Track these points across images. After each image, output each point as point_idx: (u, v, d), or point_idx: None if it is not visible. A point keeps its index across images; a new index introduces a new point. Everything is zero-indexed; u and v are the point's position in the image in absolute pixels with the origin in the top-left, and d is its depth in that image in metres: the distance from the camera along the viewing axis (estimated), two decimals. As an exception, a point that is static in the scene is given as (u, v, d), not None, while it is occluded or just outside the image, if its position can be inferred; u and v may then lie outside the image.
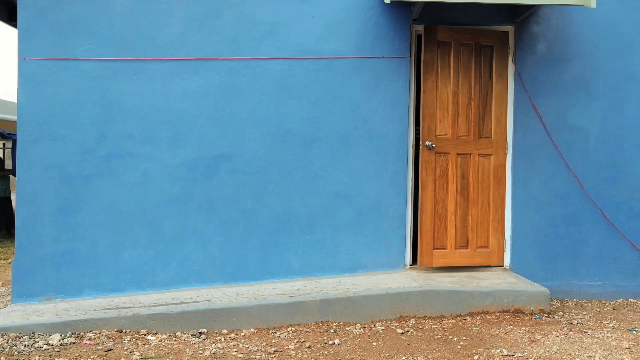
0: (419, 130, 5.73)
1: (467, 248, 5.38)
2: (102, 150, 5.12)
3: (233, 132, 5.22)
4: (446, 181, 5.33)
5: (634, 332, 4.32)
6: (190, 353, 3.92)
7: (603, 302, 5.34)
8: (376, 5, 5.25)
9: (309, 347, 4.00)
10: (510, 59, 5.45)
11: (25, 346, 4.04)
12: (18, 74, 5.05)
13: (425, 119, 5.27)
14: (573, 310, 4.99)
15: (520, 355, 3.76)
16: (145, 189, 5.14)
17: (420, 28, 5.40)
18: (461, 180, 5.37)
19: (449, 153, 5.33)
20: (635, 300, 5.39)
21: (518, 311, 4.66)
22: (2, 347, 4.00)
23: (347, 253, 5.28)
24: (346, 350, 3.93)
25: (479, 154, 5.41)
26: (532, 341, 4.04)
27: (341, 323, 4.51)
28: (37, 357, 3.84)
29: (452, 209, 5.34)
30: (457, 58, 5.34)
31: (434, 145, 5.27)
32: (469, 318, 4.58)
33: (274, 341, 4.16)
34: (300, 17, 5.23)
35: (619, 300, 5.39)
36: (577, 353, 3.79)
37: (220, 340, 4.20)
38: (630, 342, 4.01)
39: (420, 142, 5.27)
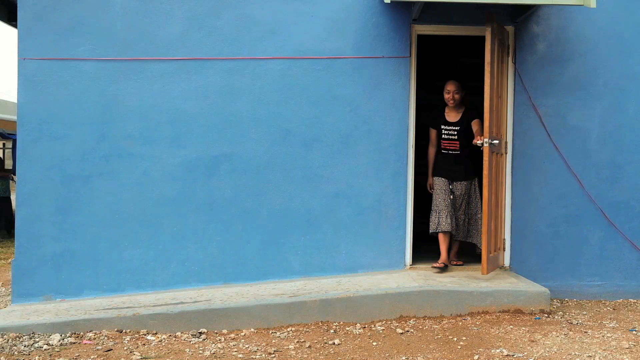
0: (425, 129, 5.69)
1: (495, 251, 5.18)
2: (102, 150, 5.12)
3: (233, 132, 5.22)
4: (493, 182, 5.02)
5: (634, 332, 4.32)
6: (190, 353, 3.92)
7: (603, 302, 5.34)
8: (376, 5, 5.25)
9: (309, 347, 4.00)
10: (510, 58, 5.45)
11: (25, 346, 4.04)
12: (18, 74, 5.06)
13: (488, 114, 4.83)
14: (573, 310, 4.99)
15: (520, 355, 3.76)
16: (145, 189, 5.15)
17: (421, 28, 5.37)
18: (495, 180, 5.12)
19: (493, 152, 5.02)
20: (635, 300, 5.38)
21: (518, 311, 4.66)
22: (2, 347, 4.00)
23: (347, 253, 5.28)
24: (346, 350, 3.92)
25: (497, 154, 5.24)
26: (532, 341, 4.03)
27: (341, 323, 4.51)
28: (37, 357, 3.84)
29: (492, 210, 5.04)
30: (496, 54, 5.05)
31: (499, 144, 5.00)
32: (469, 318, 4.57)
33: (274, 341, 4.16)
34: (300, 17, 5.23)
35: (619, 300, 5.38)
36: (577, 353, 3.79)
37: (220, 340, 4.20)
38: (630, 342, 4.01)
39: (487, 141, 4.82)
